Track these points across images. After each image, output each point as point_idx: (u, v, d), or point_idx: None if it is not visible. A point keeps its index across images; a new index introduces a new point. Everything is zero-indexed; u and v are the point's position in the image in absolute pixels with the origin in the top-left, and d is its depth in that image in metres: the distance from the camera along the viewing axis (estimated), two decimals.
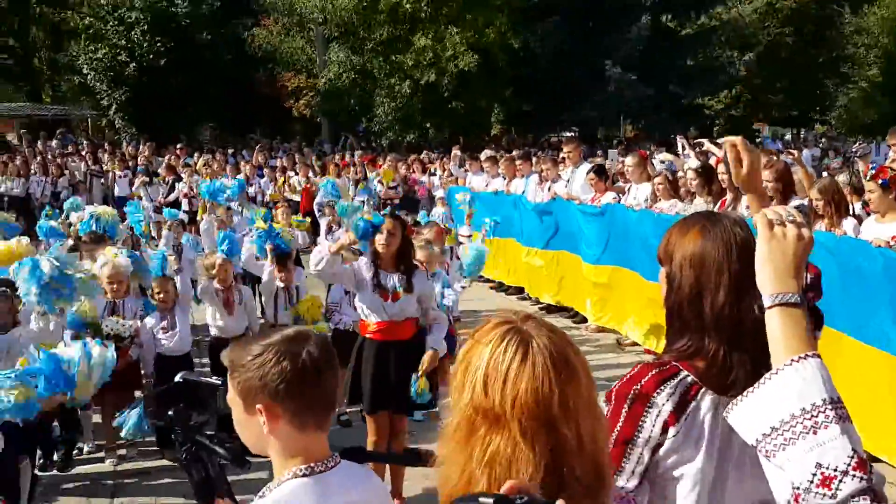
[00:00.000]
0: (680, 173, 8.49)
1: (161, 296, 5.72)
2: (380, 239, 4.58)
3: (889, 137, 9.19)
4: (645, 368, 1.87)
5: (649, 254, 7.59)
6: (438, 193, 13.32)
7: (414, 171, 14.84)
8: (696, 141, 9.94)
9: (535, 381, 1.28)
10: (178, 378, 2.36)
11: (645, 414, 1.81)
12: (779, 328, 1.40)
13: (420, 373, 4.65)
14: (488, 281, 10.98)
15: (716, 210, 6.88)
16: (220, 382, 2.17)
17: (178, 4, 22.17)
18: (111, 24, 22.04)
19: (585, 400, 1.34)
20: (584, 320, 8.78)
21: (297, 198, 14.27)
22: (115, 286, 5.66)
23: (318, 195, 10.47)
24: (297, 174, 15.38)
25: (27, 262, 4.41)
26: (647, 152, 10.97)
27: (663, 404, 1.79)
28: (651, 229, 7.48)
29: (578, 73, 22.39)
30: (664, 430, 1.79)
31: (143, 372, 5.80)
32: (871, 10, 25.55)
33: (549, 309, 9.42)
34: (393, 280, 4.62)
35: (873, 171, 5.67)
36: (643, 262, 7.65)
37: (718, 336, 1.80)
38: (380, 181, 14.05)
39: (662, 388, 1.80)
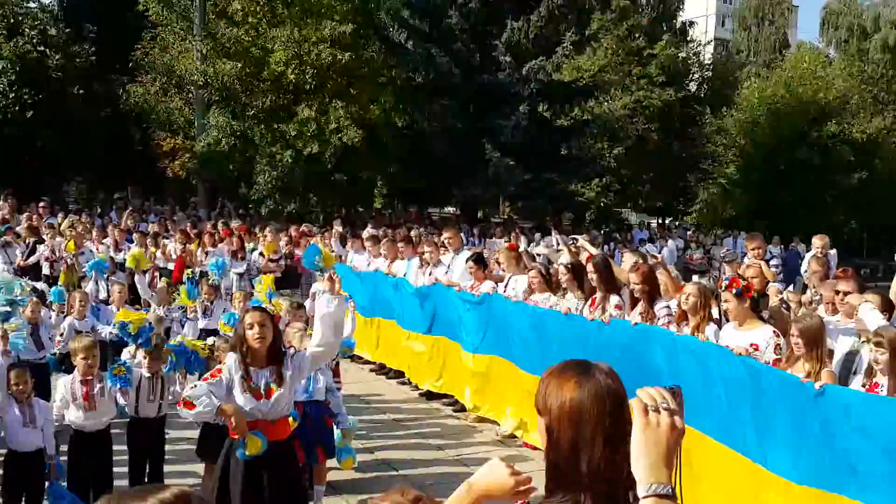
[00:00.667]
0: (554, 266, 8.84)
1: (19, 387, 5.26)
2: (252, 334, 4.39)
3: (747, 241, 9.89)
4: None
5: (526, 345, 7.78)
6: None
7: (299, 245, 14.64)
8: (571, 237, 10.42)
9: None
10: None
11: None
12: None
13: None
14: (368, 363, 10.87)
15: (587, 309, 7.20)
16: None
17: (50, 56, 21.31)
18: None
19: None
20: (463, 409, 8.81)
21: (170, 266, 13.73)
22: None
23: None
24: (171, 240, 14.84)
25: None
26: (517, 245, 11.30)
27: None
28: (527, 321, 7.69)
29: (462, 154, 23.05)
30: None
31: None
32: (730, 112, 27.90)
33: (430, 395, 9.41)
34: (265, 376, 4.45)
35: (727, 281, 6.02)
36: (520, 353, 7.82)
37: (594, 494, 1.82)
38: (261, 253, 13.77)
39: None
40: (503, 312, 8.13)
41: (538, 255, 10.72)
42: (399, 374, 10.34)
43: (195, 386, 4.44)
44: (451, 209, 30.39)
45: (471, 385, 8.68)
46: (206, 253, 14.01)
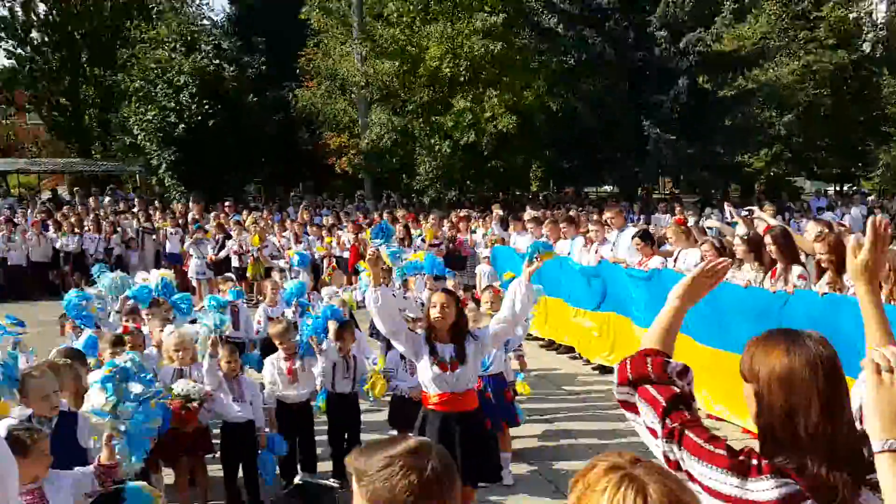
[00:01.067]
0: (727, 239, 8.60)
1: (230, 364, 5.78)
2: (434, 312, 4.72)
3: None
4: (755, 454, 1.89)
5: (701, 319, 7.64)
6: (482, 252, 13.53)
7: (459, 231, 15.07)
8: (746, 209, 10.08)
9: None
10: (297, 480, 2.48)
11: (737, 477, 1.81)
12: (890, 473, 1.52)
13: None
14: (538, 339, 11.06)
15: (767, 280, 6.99)
16: (338, 485, 2.33)
17: (224, 68, 22.97)
18: (160, 86, 22.87)
19: None
20: None
21: (345, 255, 14.56)
22: (181, 353, 5.82)
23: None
24: (343, 231, 15.71)
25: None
26: (685, 219, 11.07)
27: (766, 490, 1.80)
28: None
29: (619, 132, 22.69)
30: None
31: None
32: None
33: (602, 369, 9.46)
34: (449, 351, 4.73)
35: None
36: (696, 327, 7.70)
37: (818, 456, 1.83)
38: (422, 239, 14.32)
39: (770, 476, 1.82)
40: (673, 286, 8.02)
41: (709, 228, 10.43)
42: (569, 350, 10.45)
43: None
44: (607, 188, 29.92)
45: None
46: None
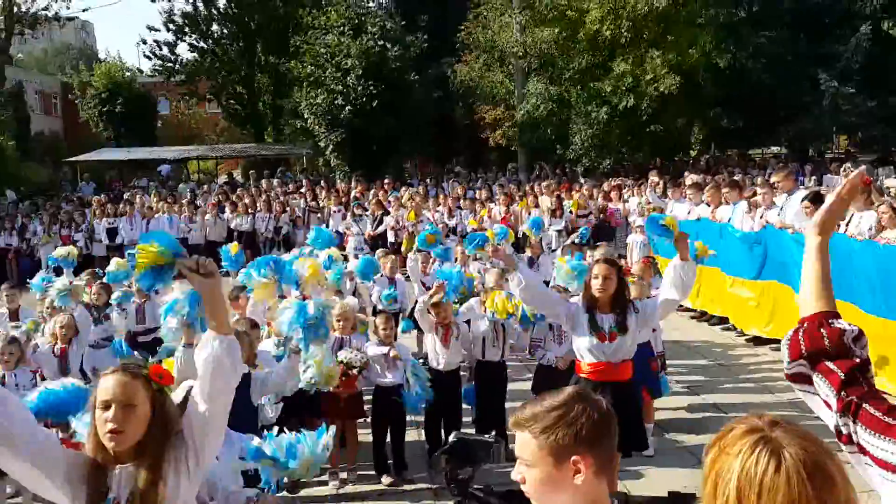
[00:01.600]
0: None
1: (385, 332, 6.07)
2: (595, 284, 4.67)
3: None
4: None
5: (871, 287, 7.04)
6: (636, 221, 13.14)
7: (612, 199, 14.71)
8: None
9: (791, 492, 1.29)
10: (452, 437, 2.55)
11: None
12: None
13: None
14: (689, 310, 10.63)
15: None
16: (493, 440, 2.37)
17: (389, 49, 23.59)
18: (329, 71, 23.86)
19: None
20: None
21: (497, 227, 14.63)
22: (342, 324, 6.11)
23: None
24: (495, 203, 15.79)
25: (294, 306, 5.15)
26: (871, 178, 10.16)
27: None
28: (874, 261, 6.97)
29: (792, 87, 21.12)
30: None
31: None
32: None
33: (757, 340, 8.97)
34: (609, 321, 4.69)
35: None
36: (864, 295, 7.12)
37: None
38: (570, 210, 14.19)
39: None
40: (846, 252, 7.41)
41: (888, 188, 9.55)
42: (722, 321, 9.99)
43: None
44: (774, 149, 27.95)
45: None
46: (529, 213, 14.69)
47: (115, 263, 8.75)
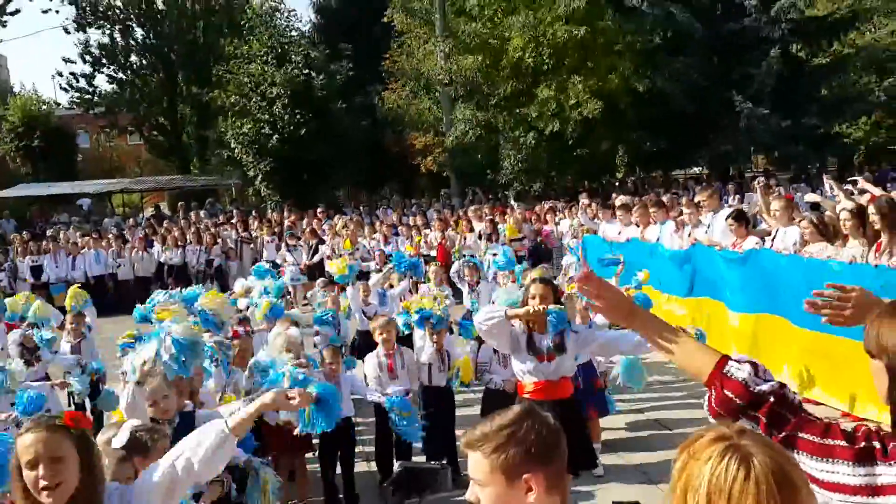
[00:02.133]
0: (828, 214, 8.24)
1: (331, 365, 6.01)
2: (533, 304, 4.74)
3: None
4: (875, 435, 1.83)
5: (799, 299, 7.33)
6: (569, 243, 13.42)
7: (547, 222, 14.98)
8: (850, 179, 9.62)
9: (760, 499, 1.33)
10: (397, 467, 2.57)
11: (863, 465, 1.76)
12: None
13: None
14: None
15: (873, 254, 6.64)
16: (439, 467, 2.40)
17: (314, 77, 23.54)
18: (254, 100, 23.66)
19: None
20: None
21: (433, 253, 14.71)
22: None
23: (455, 265, 10.71)
24: (431, 230, 15.87)
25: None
26: (793, 194, 10.65)
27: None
28: (801, 275, 7.27)
29: (709, 109, 21.96)
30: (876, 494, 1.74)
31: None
32: None
33: None
34: (546, 342, 4.76)
35: None
36: (792, 308, 7.42)
37: None
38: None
39: None
40: (773, 267, 7.74)
41: (807, 203, 10.01)
42: None
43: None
44: (696, 169, 28.99)
45: (738, 344, 8.40)
46: (465, 238, 14.85)
47: (9, 304, 8.49)
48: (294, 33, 26.44)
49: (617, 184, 24.37)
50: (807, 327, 7.12)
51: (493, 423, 1.80)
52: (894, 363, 1.86)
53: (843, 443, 1.78)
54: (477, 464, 1.78)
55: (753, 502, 1.33)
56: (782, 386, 1.93)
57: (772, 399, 1.88)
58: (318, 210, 19.98)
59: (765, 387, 1.91)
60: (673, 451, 1.52)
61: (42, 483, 2.32)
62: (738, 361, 1.97)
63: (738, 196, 14.74)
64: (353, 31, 29.05)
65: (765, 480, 1.34)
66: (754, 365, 1.96)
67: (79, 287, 9.54)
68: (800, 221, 7.99)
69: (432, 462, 5.92)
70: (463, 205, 21.80)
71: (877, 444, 1.78)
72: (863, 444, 1.79)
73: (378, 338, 6.25)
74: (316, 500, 5.93)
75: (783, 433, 1.84)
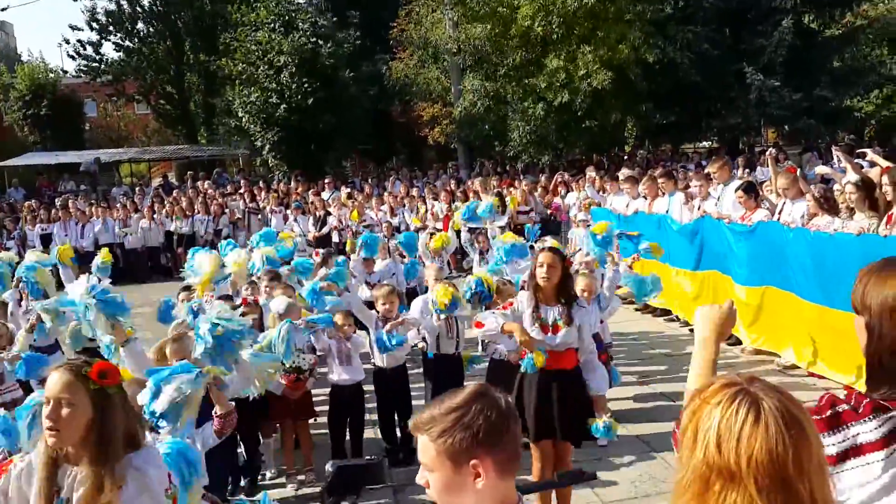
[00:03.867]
0: (837, 187, 8.19)
1: (345, 328, 6.06)
2: (540, 272, 4.73)
3: None
4: (839, 399, 1.86)
5: (805, 273, 7.35)
6: (577, 215, 13.38)
7: (557, 194, 14.95)
8: (858, 151, 9.53)
9: (770, 440, 1.36)
10: (329, 467, 2.53)
11: (837, 431, 1.79)
12: None
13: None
14: (632, 302, 10.89)
15: (882, 227, 6.62)
16: (376, 459, 2.38)
17: (321, 45, 23.37)
18: (262, 68, 23.52)
19: (816, 458, 1.41)
20: (738, 342, 8.58)
21: (439, 225, 14.72)
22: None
23: (464, 234, 10.76)
24: (437, 201, 15.85)
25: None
26: (797, 168, 10.58)
27: (872, 430, 1.78)
28: (807, 248, 7.27)
29: (719, 81, 21.77)
30: (856, 454, 1.78)
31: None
32: None
33: None
34: (553, 313, 4.76)
35: None
36: (799, 281, 7.43)
37: None
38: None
39: (872, 416, 1.79)
40: (780, 241, 7.73)
41: (817, 174, 9.96)
42: (665, 312, 10.26)
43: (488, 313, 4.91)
44: (706, 144, 28.80)
45: (743, 317, 8.40)
46: None
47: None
48: (301, 1, 26.21)
49: (626, 157, 24.21)
50: (813, 300, 7.13)
51: (443, 405, 1.73)
52: (874, 321, 1.88)
53: (813, 417, 1.78)
54: (424, 448, 1.73)
55: (762, 443, 1.36)
56: None
57: None
58: (326, 181, 19.93)
59: None
60: (674, 423, 1.54)
61: (46, 422, 2.36)
62: None
63: (747, 170, 14.63)
64: None
65: (774, 423, 1.37)
66: None
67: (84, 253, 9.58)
68: (807, 195, 7.95)
69: (367, 456, 5.98)
70: (470, 176, 21.75)
71: (843, 408, 1.82)
72: (828, 412, 1.82)
73: (380, 307, 6.29)
74: (323, 464, 5.99)
75: None
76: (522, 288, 6.08)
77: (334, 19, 25.05)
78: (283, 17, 24.07)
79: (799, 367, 7.48)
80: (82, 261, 13.95)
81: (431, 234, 10.46)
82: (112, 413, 2.44)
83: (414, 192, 17.66)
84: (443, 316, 6.20)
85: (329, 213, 15.83)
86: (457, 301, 6.18)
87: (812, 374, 7.22)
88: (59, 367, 2.46)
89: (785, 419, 1.38)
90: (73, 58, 33.08)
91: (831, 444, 1.78)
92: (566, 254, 8.82)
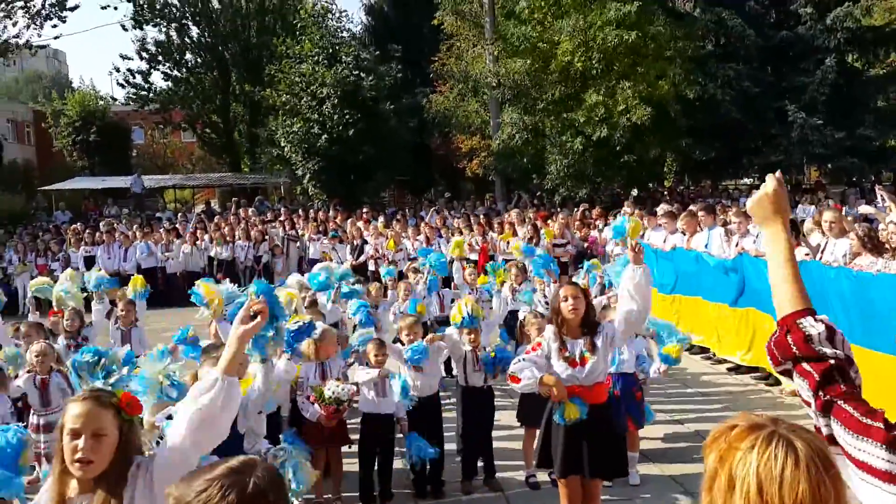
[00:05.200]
0: (881, 227, 8.06)
1: (377, 358, 6.08)
2: (567, 306, 4.70)
3: None
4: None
5: (847, 313, 7.20)
6: (613, 250, 13.32)
7: (593, 228, 14.90)
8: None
9: (812, 484, 1.35)
10: None
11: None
12: None
13: None
14: None
15: None
16: None
17: (363, 78, 23.79)
18: (305, 100, 23.98)
19: (847, 497, 1.41)
20: (777, 382, 8.41)
21: (474, 256, 14.71)
22: (325, 349, 6.09)
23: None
24: (470, 234, 15.88)
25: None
26: (841, 207, 10.44)
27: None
28: (849, 287, 7.13)
29: (760, 118, 21.61)
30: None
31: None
32: None
33: (738, 369, 9.12)
34: (579, 346, 4.71)
35: None
36: (841, 322, 7.25)
37: None
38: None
39: None
40: (820, 279, 7.58)
41: (860, 215, 9.81)
42: (702, 350, 10.12)
43: (519, 360, 4.83)
44: (747, 181, 28.51)
45: None
46: (507, 242, 14.86)
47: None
48: (345, 34, 26.75)
49: (665, 193, 24.08)
50: (854, 342, 6.96)
51: (197, 479, 1.66)
52: None
53: (881, 426, 1.75)
54: None
55: (806, 486, 1.34)
56: (850, 362, 1.90)
57: (832, 362, 1.86)
58: (363, 210, 20.11)
59: (828, 350, 1.88)
60: None
61: (78, 455, 2.38)
62: (819, 321, 1.92)
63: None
64: (403, 33, 29.29)
65: (813, 465, 1.36)
66: (832, 330, 1.92)
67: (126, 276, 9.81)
68: (850, 234, 7.83)
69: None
70: (507, 209, 21.78)
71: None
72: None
73: (404, 337, 6.33)
74: (351, 495, 5.99)
75: (828, 396, 1.82)
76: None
77: (377, 53, 25.52)
78: (326, 49, 24.57)
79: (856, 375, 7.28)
80: (123, 283, 14.35)
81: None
82: (133, 442, 2.52)
83: (455, 223, 17.73)
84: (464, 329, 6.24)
85: (366, 242, 15.97)
86: (475, 318, 6.22)
87: None
88: (85, 399, 2.47)
89: (822, 460, 1.37)
90: (122, 86, 34.09)
91: (886, 459, 1.71)
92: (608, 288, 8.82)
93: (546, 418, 4.85)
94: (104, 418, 2.44)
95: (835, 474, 1.37)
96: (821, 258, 8.08)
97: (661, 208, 14.05)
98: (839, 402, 1.81)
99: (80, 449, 2.38)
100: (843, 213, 9.71)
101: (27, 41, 31.07)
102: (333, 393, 5.63)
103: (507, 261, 11.42)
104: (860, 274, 7.04)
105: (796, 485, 1.35)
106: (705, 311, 9.96)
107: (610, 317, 5.87)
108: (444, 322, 7.94)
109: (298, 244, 17.70)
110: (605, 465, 4.75)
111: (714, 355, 9.86)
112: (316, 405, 5.69)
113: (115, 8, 33.26)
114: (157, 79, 34.39)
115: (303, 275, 9.69)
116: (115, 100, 37.44)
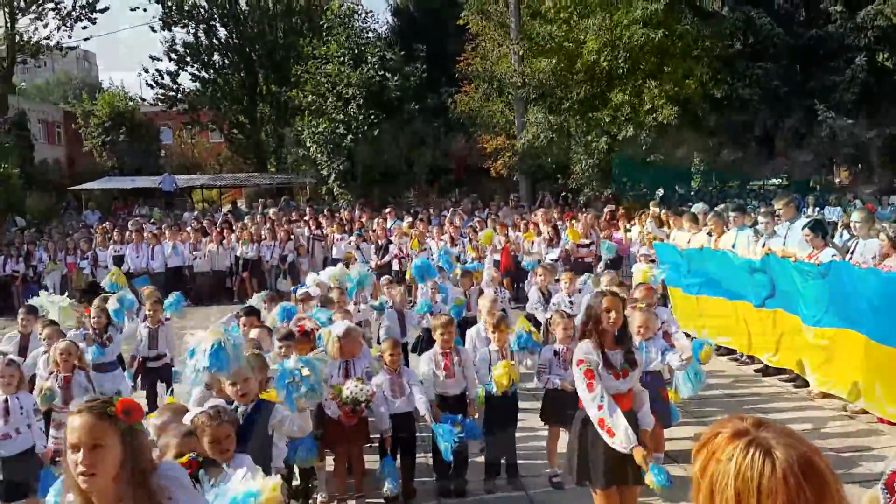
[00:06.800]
0: None
1: (392, 357, 6.09)
2: (608, 318, 4.58)
3: None
4: None
5: (877, 314, 7.10)
6: (639, 250, 13.25)
7: (617, 228, 14.82)
8: None
9: (790, 492, 1.32)
10: None
11: None
12: None
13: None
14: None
15: None
16: None
17: (388, 78, 23.85)
18: (330, 100, 24.10)
19: (836, 500, 1.36)
20: (806, 384, 8.31)
21: (496, 256, 14.68)
22: (347, 347, 6.11)
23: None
24: (496, 232, 15.84)
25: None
26: (875, 207, 10.29)
27: None
28: (878, 288, 7.03)
29: (789, 118, 21.33)
30: None
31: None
32: None
33: (766, 370, 9.02)
34: (618, 357, 4.62)
35: None
36: (870, 323, 7.17)
37: None
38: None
39: None
40: (850, 281, 7.49)
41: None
42: (729, 351, 10.02)
43: (606, 406, 4.53)
44: (776, 181, 28.15)
45: (811, 359, 8.16)
46: (532, 243, 14.83)
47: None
48: (371, 35, 26.82)
49: (692, 192, 23.86)
50: (885, 343, 6.88)
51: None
52: None
53: None
54: None
55: (784, 495, 1.32)
56: None
57: None
58: (387, 210, 20.16)
59: None
60: None
61: (80, 468, 2.39)
62: None
63: (816, 209, 14.26)
64: (428, 33, 29.32)
65: (791, 473, 1.33)
66: None
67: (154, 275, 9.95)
68: (879, 234, 7.72)
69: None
70: (531, 209, 21.71)
71: None
72: None
73: (438, 336, 6.29)
74: (374, 492, 6.01)
75: None
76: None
77: (402, 53, 25.56)
78: (352, 50, 24.68)
79: (868, 413, 7.19)
80: (152, 281, 14.55)
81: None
82: (142, 448, 2.50)
83: (478, 223, 17.69)
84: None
85: (391, 242, 16.01)
86: (515, 383, 6.24)
87: (882, 421, 6.94)
88: (81, 411, 2.45)
89: (801, 466, 1.34)
90: (151, 87, 34.55)
91: None
92: (629, 286, 8.76)
93: (579, 431, 4.76)
94: (101, 429, 2.42)
95: (820, 482, 1.33)
96: (850, 258, 7.97)
97: (691, 209, 13.96)
98: None
99: (80, 462, 2.39)
100: (877, 214, 9.57)
101: (58, 42, 31.61)
102: (351, 393, 5.66)
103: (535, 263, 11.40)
104: (890, 275, 6.94)
105: (773, 494, 1.33)
106: (732, 312, 9.86)
107: (638, 321, 5.88)
108: (472, 322, 7.93)
109: (323, 244, 17.78)
110: (625, 470, 4.69)
111: (741, 356, 9.76)
112: (335, 403, 5.74)
113: (144, 10, 33.69)
114: (186, 80, 34.82)
115: None
116: (143, 100, 37.93)
